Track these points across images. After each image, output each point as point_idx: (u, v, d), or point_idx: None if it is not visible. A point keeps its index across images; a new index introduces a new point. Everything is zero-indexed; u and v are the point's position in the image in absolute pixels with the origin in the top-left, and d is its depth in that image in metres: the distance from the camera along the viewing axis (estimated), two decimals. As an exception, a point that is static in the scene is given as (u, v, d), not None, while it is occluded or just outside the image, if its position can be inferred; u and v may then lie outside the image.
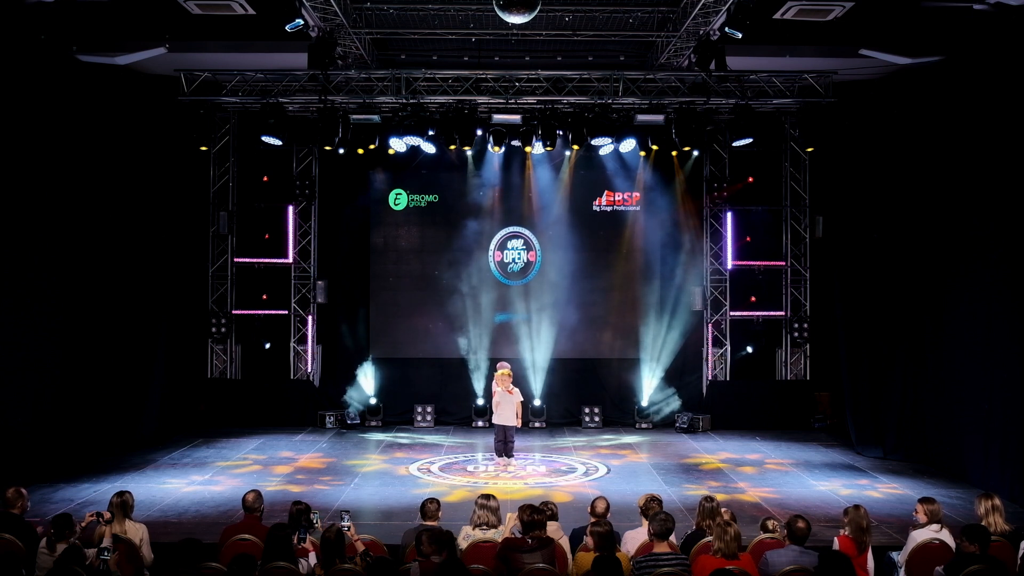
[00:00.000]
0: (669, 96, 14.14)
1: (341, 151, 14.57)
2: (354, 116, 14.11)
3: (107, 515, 6.49)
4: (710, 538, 6.28)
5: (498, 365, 13.09)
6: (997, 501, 6.90)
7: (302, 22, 11.04)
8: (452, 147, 14.58)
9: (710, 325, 16.51)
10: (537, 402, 15.95)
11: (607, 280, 16.77)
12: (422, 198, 16.66)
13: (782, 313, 16.51)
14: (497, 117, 14.43)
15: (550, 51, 13.99)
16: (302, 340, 16.53)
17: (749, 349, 16.64)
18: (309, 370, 16.46)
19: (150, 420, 14.34)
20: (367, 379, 16.40)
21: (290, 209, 16.41)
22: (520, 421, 12.95)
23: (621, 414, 16.28)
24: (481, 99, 14.17)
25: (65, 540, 6.34)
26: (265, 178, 16.43)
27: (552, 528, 6.92)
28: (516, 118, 14.41)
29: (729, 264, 16.47)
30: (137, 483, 11.10)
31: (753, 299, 16.55)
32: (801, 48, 13.15)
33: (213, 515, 9.80)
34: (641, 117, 14.19)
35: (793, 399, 16.15)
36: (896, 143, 13.21)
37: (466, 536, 6.93)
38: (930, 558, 6.54)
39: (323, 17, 11.49)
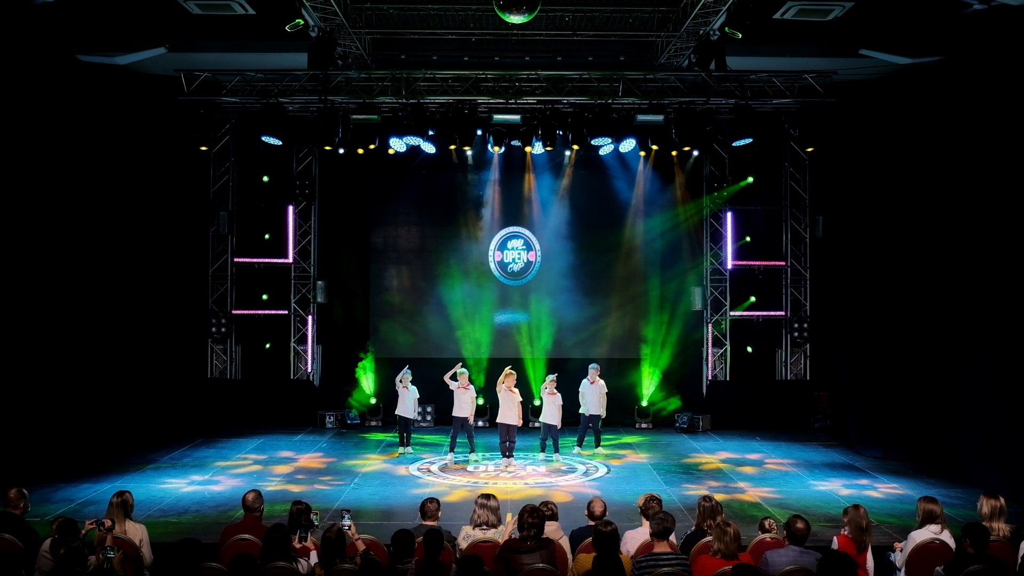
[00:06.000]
0: (669, 96, 14.15)
1: (341, 151, 14.60)
2: (354, 116, 14.14)
3: (107, 523, 6.44)
4: (710, 538, 6.27)
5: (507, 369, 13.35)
6: (1002, 502, 6.88)
7: (302, 22, 11.05)
8: (452, 147, 14.62)
9: (710, 325, 16.51)
10: (537, 402, 15.94)
11: (607, 280, 16.80)
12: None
13: (782, 313, 16.51)
14: (497, 117, 14.46)
15: (550, 51, 13.98)
16: (302, 340, 16.53)
17: (749, 349, 16.65)
18: (309, 370, 16.47)
19: (150, 420, 14.37)
20: (367, 379, 16.42)
21: (290, 209, 16.41)
22: (521, 421, 13.04)
23: (621, 414, 16.27)
24: (481, 99, 14.17)
25: (69, 546, 6.32)
26: (265, 178, 16.43)
27: (552, 528, 6.92)
28: (516, 118, 14.44)
29: (729, 264, 16.47)
30: (137, 483, 11.09)
31: (753, 299, 16.54)
32: (801, 48, 13.16)
33: (213, 515, 9.80)
34: (641, 117, 14.22)
35: (793, 399, 16.15)
36: (896, 143, 13.21)
37: (466, 536, 6.93)
38: (930, 558, 6.54)
39: (323, 17, 11.49)
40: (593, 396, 13.61)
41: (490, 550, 6.47)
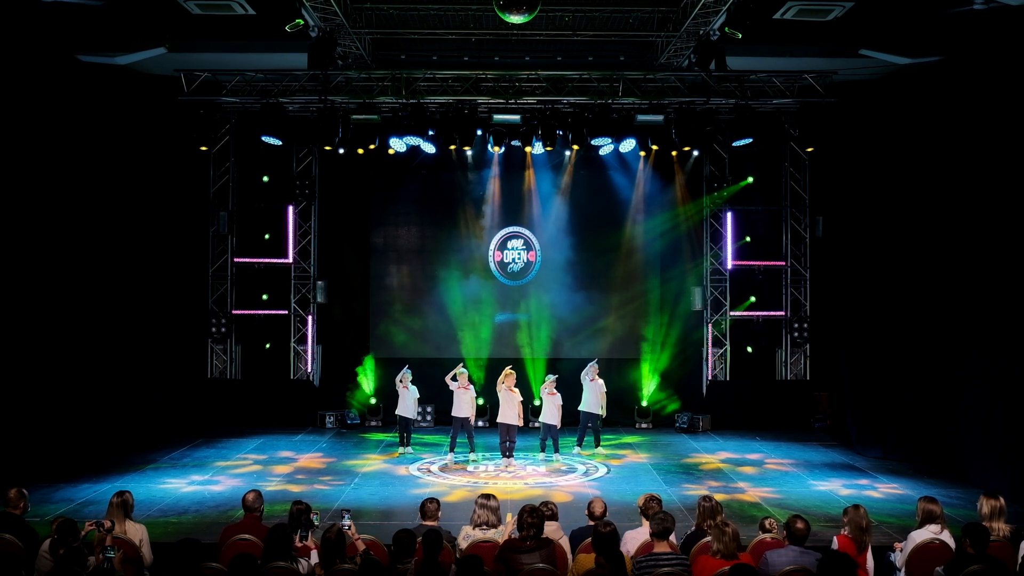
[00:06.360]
0: (669, 96, 14.15)
1: (341, 151, 14.60)
2: (354, 116, 14.14)
3: (107, 524, 6.45)
4: (710, 538, 6.27)
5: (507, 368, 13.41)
6: (1002, 502, 6.88)
7: (302, 22, 11.06)
8: (452, 147, 14.62)
9: (710, 325, 16.51)
10: (537, 402, 15.94)
11: (607, 280, 16.80)
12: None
13: (782, 313, 16.51)
14: (497, 117, 14.47)
15: (550, 51, 13.98)
16: (302, 340, 16.53)
17: (749, 349, 16.65)
18: (309, 370, 16.46)
19: (150, 420, 14.37)
20: (367, 379, 16.43)
21: (290, 209, 16.41)
22: (521, 421, 13.05)
23: (621, 414, 16.25)
24: (481, 99, 14.17)
25: (68, 547, 6.32)
26: (265, 178, 16.43)
27: (552, 528, 6.92)
28: (516, 118, 14.44)
29: (729, 264, 16.46)
30: (137, 483, 11.10)
31: (753, 299, 16.54)
32: (801, 48, 13.16)
33: (213, 515, 9.81)
34: (641, 117, 14.23)
35: (793, 399, 16.15)
36: (896, 143, 13.21)
37: (466, 536, 6.93)
38: (930, 558, 6.54)
39: (323, 17, 11.49)
40: (592, 395, 13.59)
41: (490, 550, 6.47)
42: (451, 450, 13.15)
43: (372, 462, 13.01)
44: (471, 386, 13.43)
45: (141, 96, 13.85)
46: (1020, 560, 6.40)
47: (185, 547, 5.89)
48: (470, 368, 14.79)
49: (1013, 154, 10.60)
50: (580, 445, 13.73)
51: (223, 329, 16.06)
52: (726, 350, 16.57)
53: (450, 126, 13.87)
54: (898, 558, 6.86)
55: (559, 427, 13.27)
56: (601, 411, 13.68)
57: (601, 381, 13.73)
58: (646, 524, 6.86)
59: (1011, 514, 7.15)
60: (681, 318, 16.76)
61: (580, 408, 13.70)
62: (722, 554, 5.89)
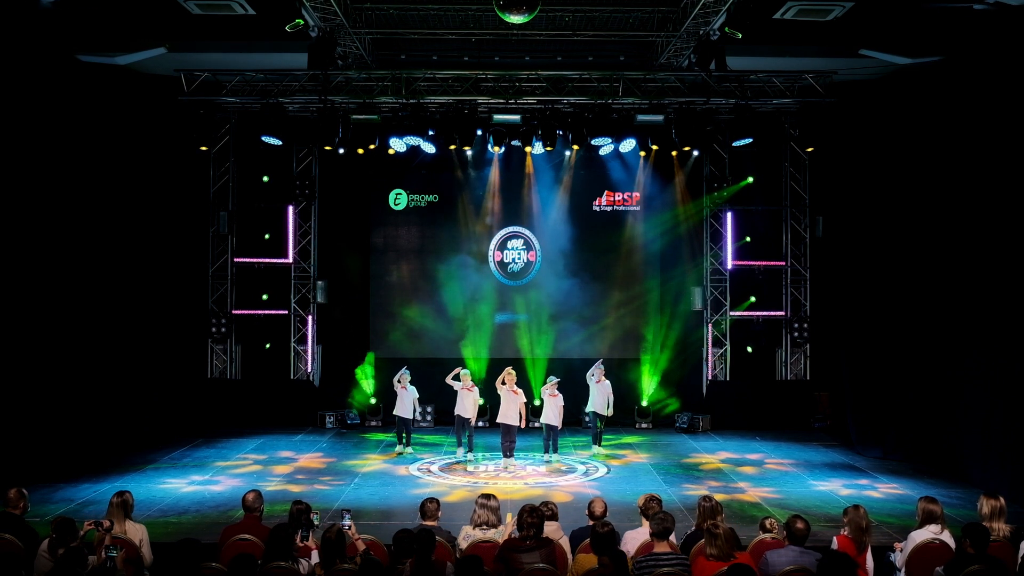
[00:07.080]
0: (669, 96, 14.16)
1: (341, 151, 14.61)
2: (354, 116, 14.15)
3: (106, 523, 6.45)
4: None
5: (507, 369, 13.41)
6: (1002, 502, 6.87)
7: (302, 22, 11.06)
8: (452, 147, 14.62)
9: (710, 325, 16.51)
10: (537, 402, 15.94)
11: (607, 280, 16.81)
12: (422, 198, 16.74)
13: (782, 313, 16.51)
14: (497, 117, 14.47)
15: (550, 51, 13.99)
16: (302, 340, 16.54)
17: (749, 349, 16.65)
18: (309, 370, 16.47)
19: (150, 420, 14.37)
20: (367, 379, 16.43)
21: (290, 209, 16.41)
22: (524, 422, 13.04)
23: (621, 414, 16.22)
24: (481, 99, 14.18)
25: (67, 547, 6.32)
26: (265, 178, 16.43)
27: (552, 528, 6.92)
28: (516, 118, 14.45)
29: (729, 264, 16.46)
30: (137, 483, 11.10)
31: (753, 299, 16.54)
32: (801, 48, 13.17)
33: (213, 515, 9.81)
34: (641, 117, 14.23)
35: (793, 399, 16.15)
36: (896, 143, 13.21)
37: (466, 536, 6.93)
38: (930, 558, 6.53)
39: (323, 17, 11.49)
40: (599, 396, 13.59)
41: (490, 550, 6.47)
42: (459, 445, 13.18)
43: (372, 462, 13.01)
44: (475, 387, 13.42)
45: (141, 96, 13.85)
46: (1020, 560, 6.40)
47: (185, 547, 5.89)
48: (470, 368, 14.79)
49: (1013, 154, 10.59)
50: (599, 444, 13.76)
51: (223, 329, 16.06)
52: (726, 350, 16.57)
53: (450, 126, 13.87)
54: (898, 558, 6.86)
55: (560, 428, 13.30)
56: (608, 411, 13.66)
57: (607, 382, 13.72)
58: (646, 524, 6.86)
59: (1011, 514, 7.14)
60: (681, 318, 16.77)
61: (587, 409, 13.74)
62: (716, 557, 5.89)
